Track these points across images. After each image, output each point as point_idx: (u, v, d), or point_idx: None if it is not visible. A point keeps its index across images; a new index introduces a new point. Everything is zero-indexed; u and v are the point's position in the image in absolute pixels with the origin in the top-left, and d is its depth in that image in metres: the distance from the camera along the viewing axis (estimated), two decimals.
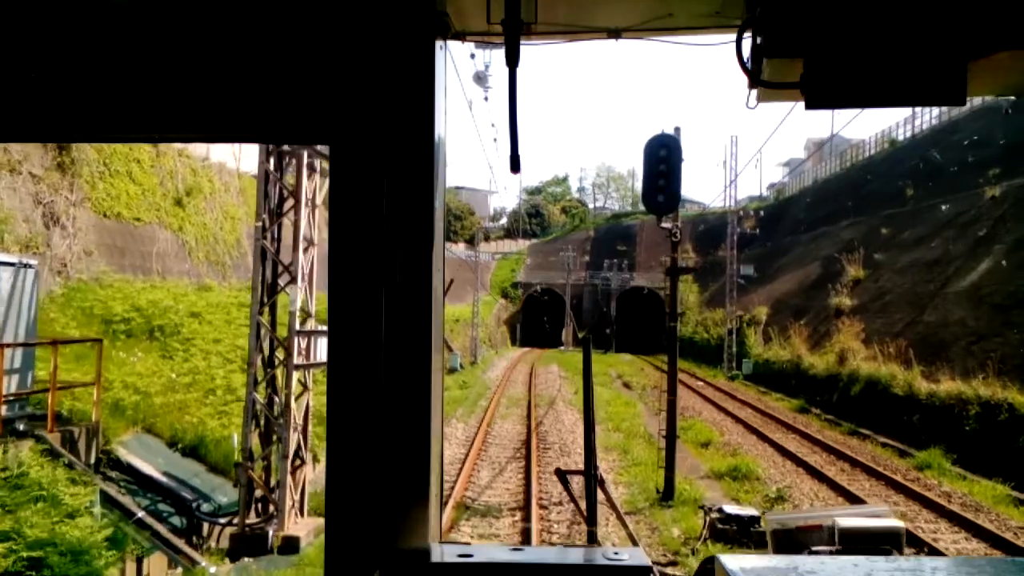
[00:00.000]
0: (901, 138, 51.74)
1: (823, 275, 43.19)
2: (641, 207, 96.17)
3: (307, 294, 12.28)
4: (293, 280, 11.67)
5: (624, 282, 68.58)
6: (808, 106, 1.58)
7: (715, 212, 74.60)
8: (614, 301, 67.08)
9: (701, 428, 23.18)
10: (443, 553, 1.70)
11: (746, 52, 1.63)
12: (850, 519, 2.18)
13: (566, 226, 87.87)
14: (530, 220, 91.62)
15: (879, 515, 2.32)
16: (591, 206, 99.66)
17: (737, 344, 41.72)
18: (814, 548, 2.05)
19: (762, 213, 52.23)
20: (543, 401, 28.24)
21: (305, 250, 12.40)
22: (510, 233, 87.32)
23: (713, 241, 69.95)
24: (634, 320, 66.61)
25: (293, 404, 11.44)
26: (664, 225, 14.99)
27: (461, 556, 1.69)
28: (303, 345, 11.71)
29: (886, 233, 39.49)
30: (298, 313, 11.59)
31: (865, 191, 47.52)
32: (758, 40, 1.58)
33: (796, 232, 55.21)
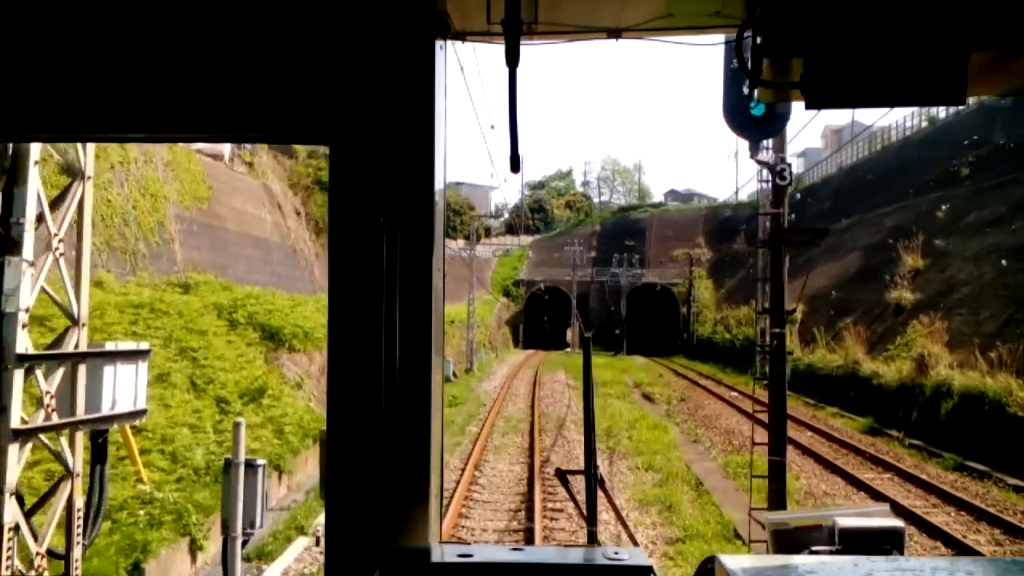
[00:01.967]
0: (943, 115, 45.36)
1: (866, 266, 36.90)
2: (651, 199, 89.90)
3: (67, 276, 5.85)
4: (11, 248, 5.21)
5: (635, 278, 62.00)
6: (808, 106, 1.53)
7: (731, 205, 68.10)
8: (624, 299, 60.47)
9: (766, 466, 16.76)
10: (443, 553, 1.64)
11: (746, 52, 1.55)
12: (850, 519, 1.91)
13: (570, 221, 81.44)
14: (533, 215, 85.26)
15: (879, 515, 1.99)
16: (596, 201, 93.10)
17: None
18: (814, 548, 1.83)
19: (798, 195, 45.61)
20: (549, 423, 21.92)
21: (63, 193, 5.93)
22: (512, 229, 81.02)
23: (727, 235, 63.58)
24: (647, 320, 60.13)
25: (13, 513, 5.07)
26: (761, 158, 8.61)
27: (461, 556, 1.62)
28: (46, 385, 5.38)
29: (943, 217, 33.17)
30: (24, 316, 5.20)
31: (904, 174, 41.06)
32: (758, 40, 1.51)
33: (824, 221, 48.70)
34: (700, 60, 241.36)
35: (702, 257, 63.88)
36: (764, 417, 18.91)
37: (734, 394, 29.80)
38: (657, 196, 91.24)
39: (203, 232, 22.97)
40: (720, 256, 62.64)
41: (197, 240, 22.45)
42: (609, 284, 62.49)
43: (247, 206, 27.17)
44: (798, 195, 47.96)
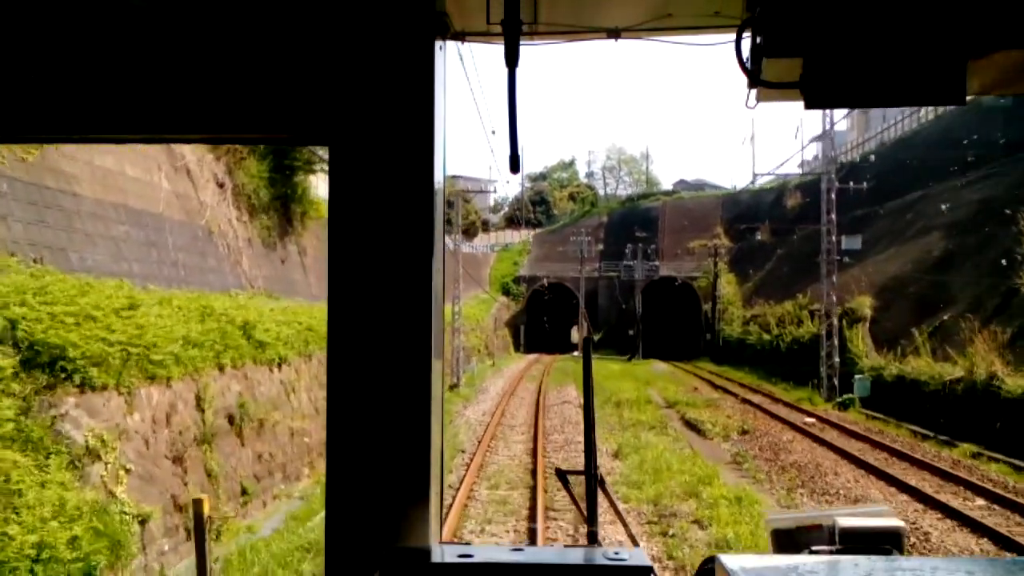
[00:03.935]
0: None
1: (954, 248, 28.35)
2: (662, 187, 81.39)
3: None
4: None
5: (651, 272, 53.42)
6: (808, 106, 1.49)
7: (752, 190, 59.59)
8: (639, 295, 51.87)
9: None
10: (443, 553, 1.59)
11: (745, 52, 1.53)
12: (850, 519, 1.83)
13: (574, 213, 72.96)
14: (534, 208, 76.86)
15: (879, 515, 1.92)
16: (601, 192, 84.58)
17: (840, 352, 26.71)
18: (814, 548, 1.76)
19: (873, 157, 37.03)
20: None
21: None
22: (512, 222, 72.64)
23: (749, 224, 55.18)
24: (665, 319, 51.68)
25: None
26: None
27: (461, 556, 1.58)
28: None
29: None
30: None
31: (979, 140, 32.45)
32: (757, 40, 1.49)
33: (873, 202, 40.16)
34: (704, 54, 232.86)
35: (721, 249, 55.41)
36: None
37: (809, 420, 21.32)
38: (666, 187, 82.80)
39: (23, 196, 14.53)
40: (742, 247, 54.28)
41: (6, 206, 13.98)
42: (621, 279, 54.01)
43: (127, 167, 18.70)
44: (872, 156, 39.35)
